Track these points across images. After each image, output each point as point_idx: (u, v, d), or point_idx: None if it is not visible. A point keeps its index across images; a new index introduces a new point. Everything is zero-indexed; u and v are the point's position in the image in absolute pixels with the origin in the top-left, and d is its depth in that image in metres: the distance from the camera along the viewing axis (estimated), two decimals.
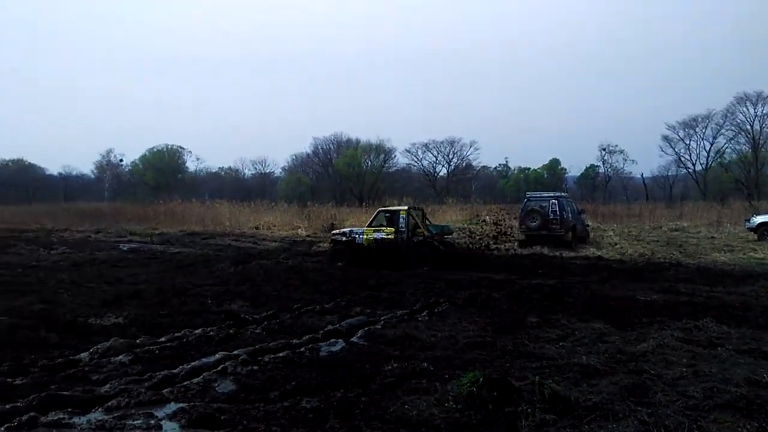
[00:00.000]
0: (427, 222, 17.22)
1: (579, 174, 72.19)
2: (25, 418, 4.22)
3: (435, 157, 71.40)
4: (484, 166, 77.31)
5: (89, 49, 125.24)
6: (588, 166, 70.31)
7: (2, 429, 4.04)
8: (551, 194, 22.47)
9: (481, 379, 4.77)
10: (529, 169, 78.01)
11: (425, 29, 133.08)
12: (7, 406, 4.39)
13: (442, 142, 70.23)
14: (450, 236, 17.63)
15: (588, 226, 24.99)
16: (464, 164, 71.76)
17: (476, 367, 5.65)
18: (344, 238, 16.85)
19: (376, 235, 16.26)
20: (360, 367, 5.78)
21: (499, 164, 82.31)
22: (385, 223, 16.51)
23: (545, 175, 74.37)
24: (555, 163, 75.29)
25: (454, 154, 70.80)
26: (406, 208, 16.97)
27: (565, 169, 75.18)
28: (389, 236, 16.08)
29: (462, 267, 14.98)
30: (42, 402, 4.49)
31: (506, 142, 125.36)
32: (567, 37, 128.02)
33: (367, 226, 16.81)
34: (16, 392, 4.87)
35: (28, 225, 36.43)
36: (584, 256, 18.67)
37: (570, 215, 21.21)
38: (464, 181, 71.40)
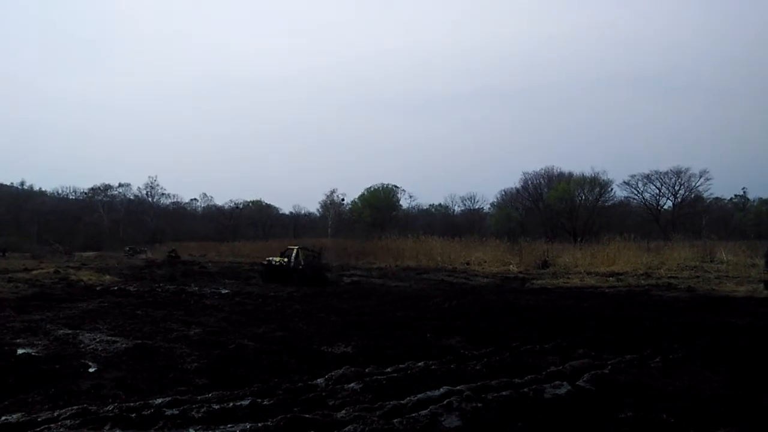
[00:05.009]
0: (318, 256, 26.90)
1: None
2: None
3: (658, 189, 65.67)
4: (716, 198, 70.09)
5: (314, 103, 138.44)
6: None
7: None
8: None
9: None
10: None
11: (651, 48, 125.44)
12: (260, 424, 4.84)
13: (666, 173, 64.47)
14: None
15: None
16: (693, 196, 64.99)
17: (726, 422, 5.03)
18: (266, 263, 25.49)
19: (282, 262, 24.52)
20: (590, 413, 5.44)
21: (735, 195, 74.24)
22: (287, 255, 24.83)
23: None
24: None
25: (680, 185, 64.52)
26: (296, 247, 25.78)
27: None
28: (285, 263, 24.20)
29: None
30: (288, 423, 4.84)
31: (743, 171, 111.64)
32: None
33: (279, 257, 25.29)
34: (266, 412, 5.33)
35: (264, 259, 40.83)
36: None
37: None
38: (693, 215, 64.92)
